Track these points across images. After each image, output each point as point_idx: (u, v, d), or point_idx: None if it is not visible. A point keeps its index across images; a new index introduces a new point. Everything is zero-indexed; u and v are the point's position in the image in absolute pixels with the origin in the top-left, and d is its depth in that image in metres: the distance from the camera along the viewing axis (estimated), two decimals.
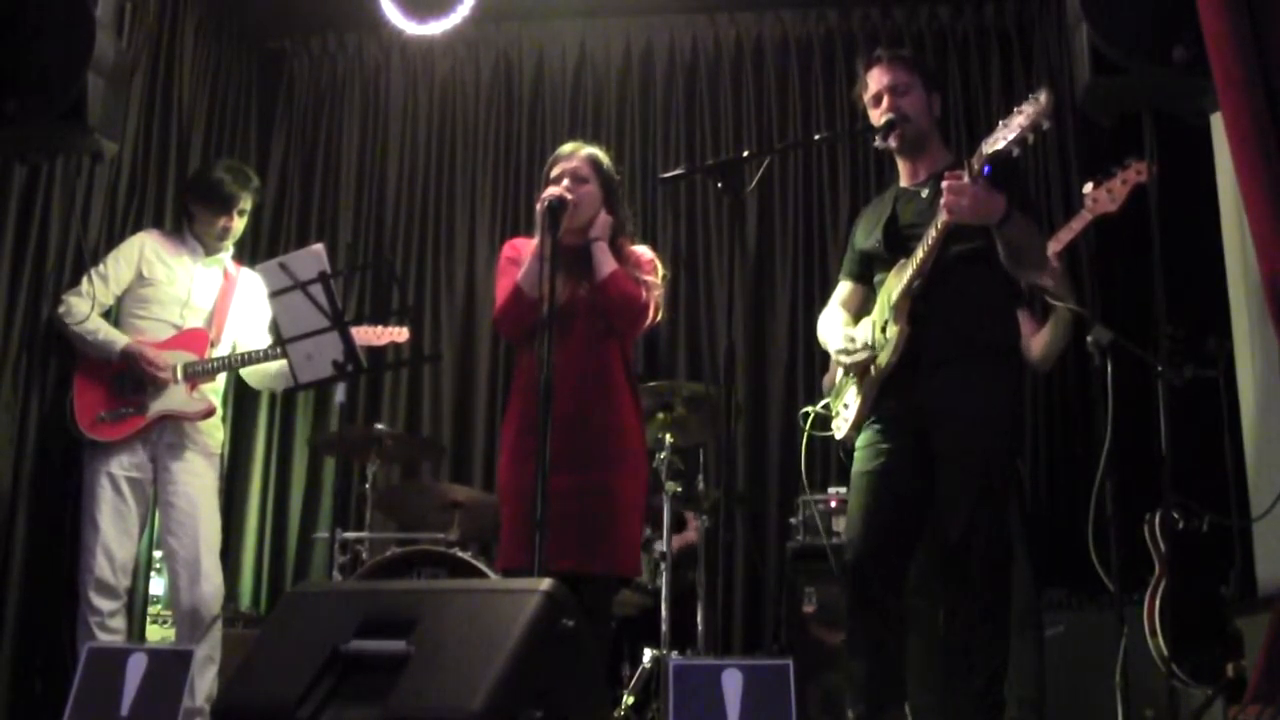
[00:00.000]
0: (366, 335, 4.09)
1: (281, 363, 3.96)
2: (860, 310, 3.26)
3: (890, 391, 3.07)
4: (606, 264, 3.14)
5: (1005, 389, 3.03)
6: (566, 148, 3.28)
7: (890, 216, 3.15)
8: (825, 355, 3.68)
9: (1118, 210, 3.79)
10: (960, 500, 2.91)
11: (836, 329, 3.23)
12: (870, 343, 3.10)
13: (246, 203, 4.14)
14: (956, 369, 2.98)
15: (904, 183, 3.23)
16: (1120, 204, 3.78)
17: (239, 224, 4.15)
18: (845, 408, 3.20)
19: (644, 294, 3.17)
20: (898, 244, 3.10)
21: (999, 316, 3.09)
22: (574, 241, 3.21)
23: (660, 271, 3.31)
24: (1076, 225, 3.92)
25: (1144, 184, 3.68)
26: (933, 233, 2.94)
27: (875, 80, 3.16)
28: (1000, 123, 2.83)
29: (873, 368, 3.09)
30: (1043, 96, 2.73)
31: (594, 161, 3.25)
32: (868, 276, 3.26)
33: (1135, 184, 3.73)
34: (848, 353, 3.15)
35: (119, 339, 3.89)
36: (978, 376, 2.98)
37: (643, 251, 3.32)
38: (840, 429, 3.22)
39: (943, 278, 3.00)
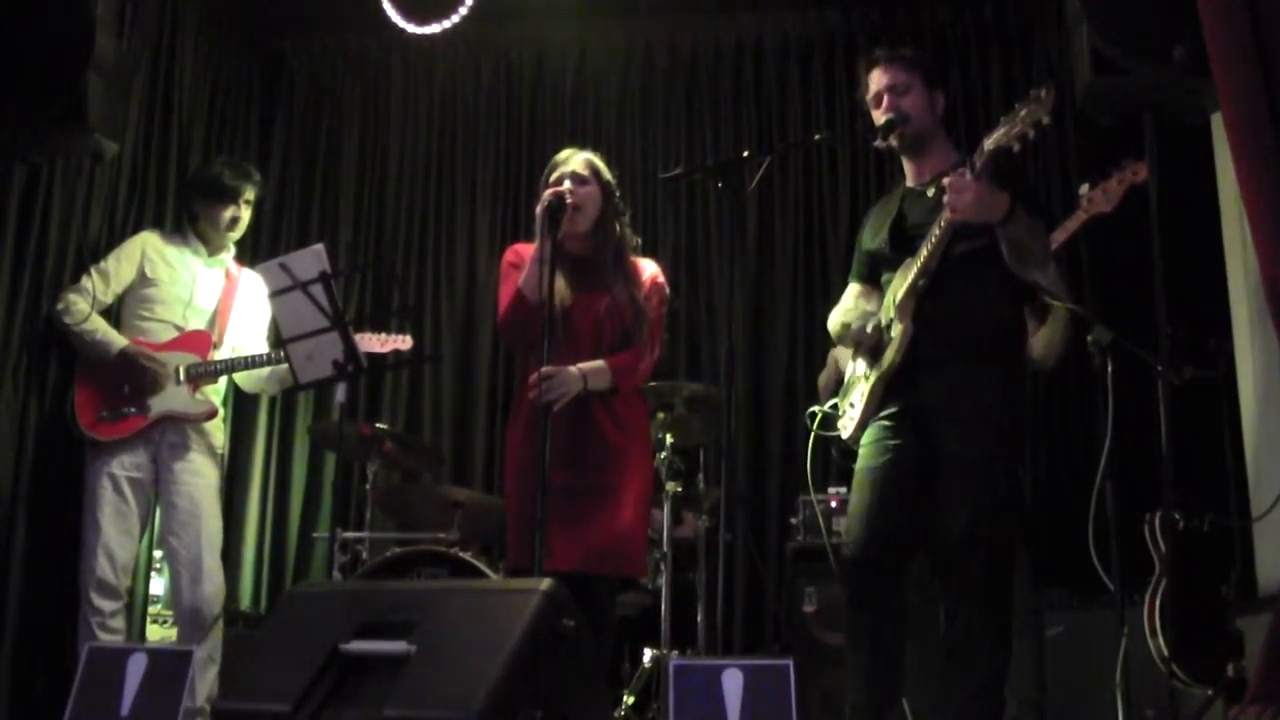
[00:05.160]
0: (370, 343, 4.09)
1: (272, 367, 3.98)
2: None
3: (894, 390, 3.07)
4: (603, 379, 3.10)
5: (1009, 389, 3.03)
6: (564, 153, 3.25)
7: (897, 216, 3.15)
8: (825, 355, 3.67)
9: (1112, 210, 3.80)
10: (962, 499, 2.91)
11: (849, 311, 3.24)
12: (881, 323, 3.10)
13: (250, 193, 4.14)
14: (960, 368, 2.98)
15: (910, 182, 3.22)
16: (1114, 204, 3.78)
17: (245, 214, 4.14)
18: (851, 407, 3.20)
19: (643, 358, 3.16)
20: (904, 244, 3.09)
21: (1004, 316, 3.08)
22: (576, 248, 3.20)
23: (665, 294, 3.30)
24: (1071, 225, 3.93)
25: (1140, 184, 3.69)
26: (937, 232, 2.94)
27: (875, 81, 3.16)
28: (1001, 118, 2.83)
29: (877, 367, 3.09)
30: (1043, 92, 2.73)
31: (592, 165, 3.23)
32: (876, 277, 3.25)
33: (1131, 184, 3.74)
34: (858, 338, 3.14)
35: (116, 340, 3.89)
36: (982, 376, 2.97)
37: (649, 268, 3.29)
38: (846, 428, 3.21)
39: (948, 277, 2.99)
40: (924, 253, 2.98)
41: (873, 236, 3.24)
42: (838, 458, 4.10)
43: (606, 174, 3.25)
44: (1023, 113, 2.77)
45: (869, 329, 3.13)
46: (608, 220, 3.23)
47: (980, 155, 2.85)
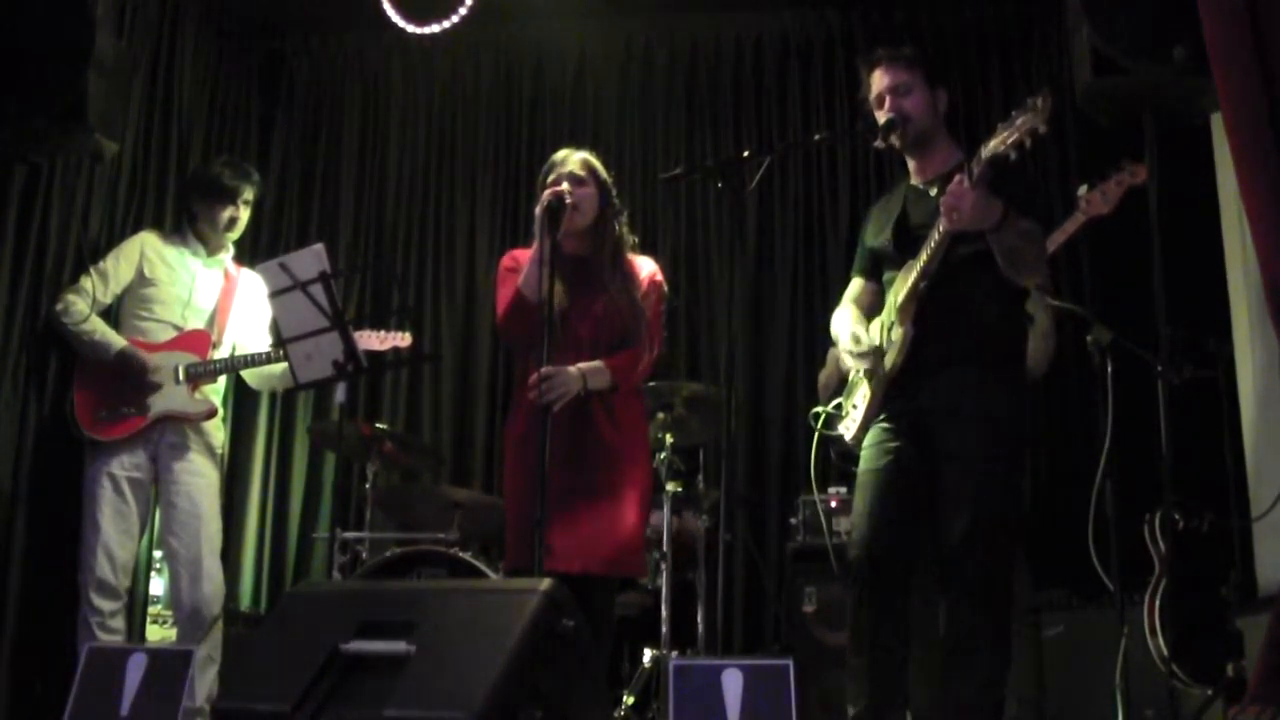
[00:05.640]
0: (369, 341, 4.09)
1: (283, 365, 3.97)
2: (872, 306, 3.25)
3: (897, 392, 3.07)
4: (602, 379, 3.09)
5: (1010, 390, 3.02)
6: (561, 154, 3.25)
7: (900, 215, 3.15)
8: (825, 354, 3.67)
9: (1111, 212, 3.80)
10: (962, 500, 2.91)
11: (847, 326, 3.23)
12: (878, 343, 3.10)
13: (249, 194, 4.14)
14: (961, 370, 2.98)
15: (913, 179, 3.22)
16: (1113, 206, 3.79)
17: (244, 215, 4.14)
18: (855, 408, 3.20)
19: (642, 357, 3.16)
20: (907, 243, 3.09)
21: (1004, 317, 3.08)
22: (574, 247, 3.20)
23: (664, 293, 3.29)
24: (1070, 227, 3.94)
25: (1138, 186, 3.69)
26: (936, 236, 2.94)
27: (876, 82, 3.15)
28: (999, 125, 2.82)
29: (880, 369, 3.09)
30: (1040, 101, 2.71)
31: (590, 165, 3.23)
32: (878, 273, 3.25)
33: (1129, 186, 3.74)
34: (855, 354, 3.14)
35: (115, 341, 3.89)
36: (983, 378, 2.97)
37: (647, 266, 3.28)
38: (850, 429, 3.21)
39: (948, 279, 2.99)
40: (924, 256, 2.98)
41: (876, 234, 3.23)
42: (837, 459, 4.10)
43: (604, 174, 3.25)
44: (1019, 121, 2.74)
45: (867, 350, 3.12)
46: (605, 220, 3.23)
47: (978, 163, 2.83)
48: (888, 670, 2.97)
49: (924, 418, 3.01)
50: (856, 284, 3.33)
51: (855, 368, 3.20)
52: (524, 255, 3.23)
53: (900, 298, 3.04)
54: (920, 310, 3.02)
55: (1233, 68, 2.74)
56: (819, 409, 3.48)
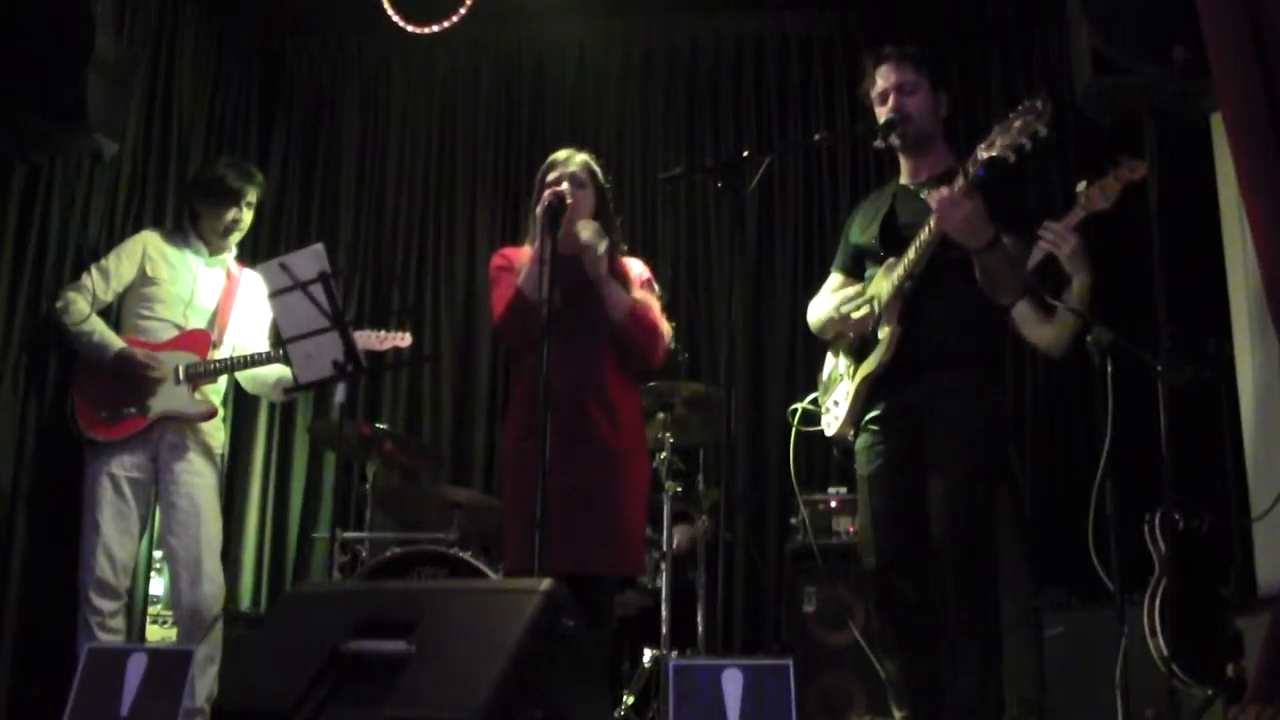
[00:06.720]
0: (369, 340, 4.10)
1: (279, 372, 3.97)
2: None
3: (882, 392, 3.07)
4: (622, 298, 3.09)
5: (991, 395, 3.04)
6: (561, 154, 3.26)
7: (888, 213, 3.15)
8: (825, 354, 3.67)
9: (1110, 207, 3.80)
10: (943, 507, 2.92)
11: (830, 299, 3.23)
12: (869, 301, 3.09)
13: (252, 195, 4.14)
14: (945, 373, 2.99)
15: (905, 180, 3.22)
16: (1113, 201, 3.78)
17: (247, 216, 4.15)
18: (835, 405, 3.20)
19: (664, 323, 3.17)
20: (895, 243, 3.09)
21: (988, 322, 3.09)
22: (569, 249, 3.21)
23: (656, 291, 3.30)
24: (1070, 222, 3.93)
25: (1137, 181, 3.69)
26: (924, 236, 2.93)
27: (883, 78, 3.15)
28: (997, 127, 2.80)
29: (865, 367, 3.09)
30: (1039, 104, 2.70)
31: (590, 168, 3.25)
32: (859, 270, 3.26)
33: (1128, 182, 3.74)
34: (846, 312, 3.13)
35: (114, 343, 3.88)
36: (965, 382, 2.99)
37: (636, 267, 3.30)
38: (830, 426, 3.21)
39: (935, 280, 3.00)
40: (910, 256, 2.98)
41: (862, 231, 3.24)
42: (839, 458, 4.09)
43: (601, 177, 3.27)
44: (1017, 124, 2.74)
45: (859, 313, 3.11)
46: (602, 223, 3.24)
47: (974, 163, 2.82)
48: (925, 671, 2.96)
49: (912, 417, 3.02)
50: (836, 279, 3.34)
51: (836, 344, 3.19)
52: (514, 253, 3.24)
53: (884, 296, 3.04)
54: (906, 309, 3.02)
55: (1233, 67, 2.74)
56: (795, 405, 3.48)
